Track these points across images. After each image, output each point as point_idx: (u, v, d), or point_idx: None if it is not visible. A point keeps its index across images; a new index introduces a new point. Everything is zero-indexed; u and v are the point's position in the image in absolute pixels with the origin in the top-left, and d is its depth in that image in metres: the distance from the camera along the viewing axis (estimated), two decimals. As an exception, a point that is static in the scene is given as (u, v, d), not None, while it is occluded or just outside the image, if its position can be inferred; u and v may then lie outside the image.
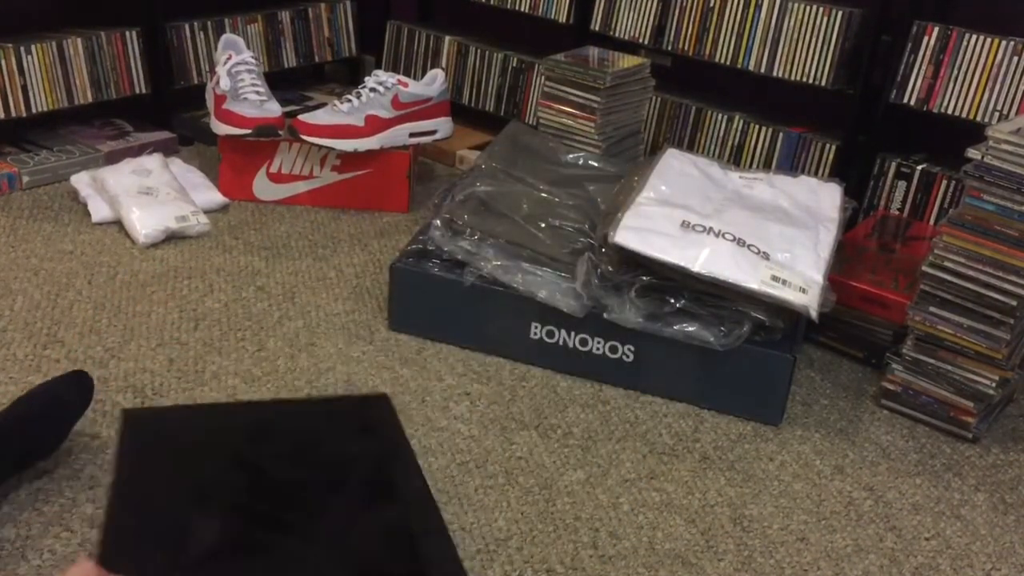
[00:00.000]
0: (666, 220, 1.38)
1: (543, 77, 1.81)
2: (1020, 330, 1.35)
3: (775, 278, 1.32)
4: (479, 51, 2.32)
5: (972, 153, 1.29)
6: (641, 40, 2.05)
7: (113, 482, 0.97)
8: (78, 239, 1.74)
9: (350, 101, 1.89)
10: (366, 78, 1.93)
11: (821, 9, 1.81)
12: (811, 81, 1.85)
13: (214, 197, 1.91)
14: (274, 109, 1.88)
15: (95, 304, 1.54)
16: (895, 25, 1.75)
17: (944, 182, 1.78)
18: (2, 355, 1.38)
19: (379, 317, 1.58)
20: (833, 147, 1.89)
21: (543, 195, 1.57)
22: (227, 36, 2.01)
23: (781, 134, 1.94)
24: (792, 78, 1.87)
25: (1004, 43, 1.65)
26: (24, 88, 1.95)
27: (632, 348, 1.42)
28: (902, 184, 1.83)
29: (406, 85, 1.92)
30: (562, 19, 2.14)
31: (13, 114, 1.94)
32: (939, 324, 1.37)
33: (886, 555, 1.16)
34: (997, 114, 1.68)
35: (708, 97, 2.09)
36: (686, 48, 1.99)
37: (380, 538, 0.93)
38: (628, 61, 1.81)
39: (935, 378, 1.40)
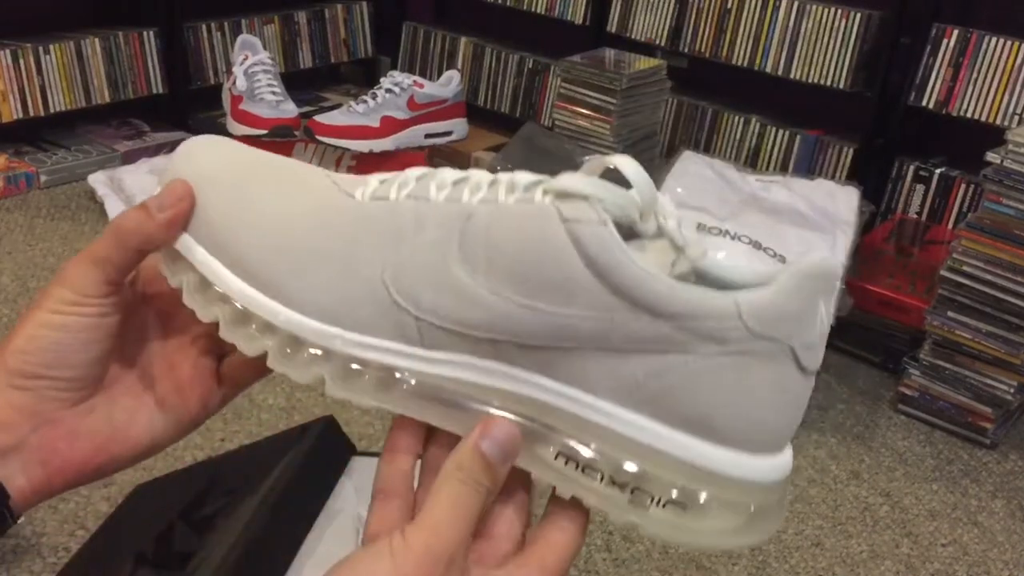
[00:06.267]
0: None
1: (559, 79, 1.81)
2: (1039, 335, 1.34)
3: (791, 281, 1.31)
4: (495, 52, 2.32)
5: (991, 157, 1.28)
6: (657, 42, 2.04)
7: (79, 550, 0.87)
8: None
9: (366, 102, 1.90)
10: (382, 79, 1.93)
11: (839, 11, 1.80)
12: (829, 83, 1.84)
13: (230, 197, 1.91)
14: (290, 109, 1.89)
15: (111, 303, 1.54)
16: (914, 27, 1.74)
17: (963, 186, 1.77)
18: (19, 353, 1.39)
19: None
20: (851, 150, 1.88)
21: (558, 197, 1.56)
22: (244, 37, 2.02)
23: (798, 137, 1.93)
24: (810, 80, 1.86)
25: (1024, 46, 1.64)
26: (42, 88, 1.96)
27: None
28: (920, 188, 1.82)
29: (422, 86, 1.92)
30: (578, 20, 2.14)
31: (31, 113, 1.96)
32: (957, 329, 1.36)
33: (902, 561, 1.15)
34: (1017, 117, 1.66)
35: (725, 99, 2.08)
36: (703, 50, 1.98)
37: None
38: (644, 63, 1.81)
39: (952, 383, 1.39)
